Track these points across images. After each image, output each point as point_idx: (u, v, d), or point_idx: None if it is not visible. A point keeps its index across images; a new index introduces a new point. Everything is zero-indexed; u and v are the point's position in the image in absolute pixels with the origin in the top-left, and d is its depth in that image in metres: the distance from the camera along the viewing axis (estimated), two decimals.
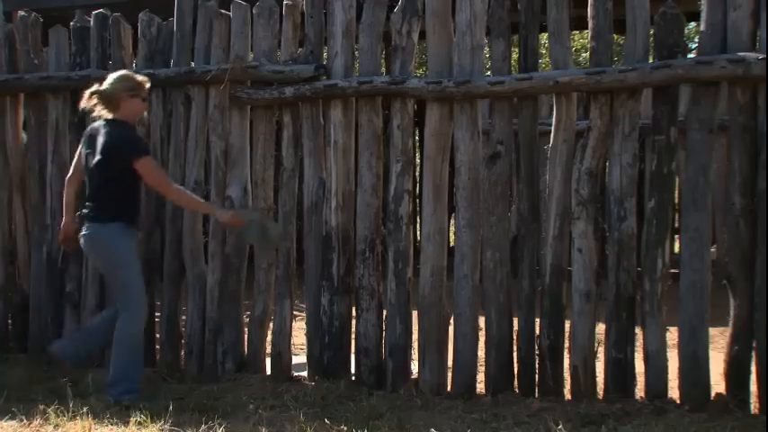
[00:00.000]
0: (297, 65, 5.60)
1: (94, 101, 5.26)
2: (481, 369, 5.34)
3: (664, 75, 4.76)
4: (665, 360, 4.85)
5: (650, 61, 4.89)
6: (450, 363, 5.31)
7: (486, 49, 5.48)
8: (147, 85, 5.38)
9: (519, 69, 5.26)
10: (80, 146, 5.45)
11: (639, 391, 4.92)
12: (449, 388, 5.26)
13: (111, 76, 5.31)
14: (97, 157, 5.18)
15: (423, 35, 5.39)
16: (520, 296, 5.20)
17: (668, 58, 4.79)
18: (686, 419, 4.45)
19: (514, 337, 5.21)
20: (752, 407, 4.67)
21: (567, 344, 5.11)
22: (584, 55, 5.41)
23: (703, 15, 4.76)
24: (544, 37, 9.74)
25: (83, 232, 5.26)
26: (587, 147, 5.01)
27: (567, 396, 5.05)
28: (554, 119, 5.11)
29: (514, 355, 5.20)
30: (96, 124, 5.35)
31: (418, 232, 6.07)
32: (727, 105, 4.79)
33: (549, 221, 5.11)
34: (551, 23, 5.09)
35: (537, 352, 5.13)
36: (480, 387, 5.30)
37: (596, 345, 5.05)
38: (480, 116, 5.29)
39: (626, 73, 4.83)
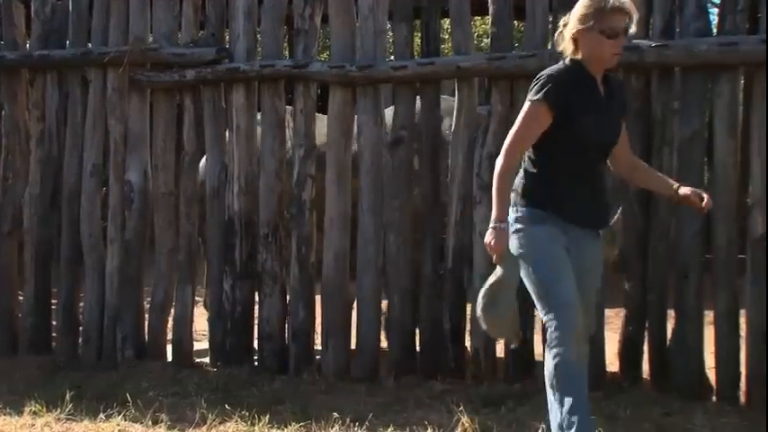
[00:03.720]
0: (198, 47, 5.53)
1: None
2: (384, 352, 5.36)
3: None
4: None
5: (549, 48, 4.97)
6: (353, 346, 5.32)
7: (390, 33, 5.50)
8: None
9: (421, 54, 5.29)
10: None
11: (539, 372, 5.01)
12: (352, 372, 5.28)
13: None
14: None
15: (327, 19, 5.38)
16: (423, 280, 5.24)
17: None
18: None
19: (417, 321, 5.25)
20: (644, 385, 4.80)
21: (468, 327, 5.17)
22: (485, 41, 5.46)
23: None
24: (447, 22, 9.79)
25: None
26: (488, 131, 5.06)
27: (469, 378, 5.11)
28: (456, 104, 5.15)
29: (417, 338, 5.24)
30: None
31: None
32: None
33: (451, 206, 5.16)
34: (453, 9, 5.13)
35: (439, 335, 5.18)
36: (383, 370, 5.32)
37: None
38: (383, 101, 5.31)
39: (526, 59, 4.90)
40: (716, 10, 4.93)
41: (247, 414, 4.43)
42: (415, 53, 5.47)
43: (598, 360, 4.84)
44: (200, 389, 4.94)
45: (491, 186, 4.93)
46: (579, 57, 3.61)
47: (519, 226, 3.65)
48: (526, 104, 3.59)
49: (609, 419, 4.18)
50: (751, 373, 4.52)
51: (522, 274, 3.66)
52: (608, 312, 5.05)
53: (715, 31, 4.67)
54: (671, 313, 4.77)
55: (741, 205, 4.64)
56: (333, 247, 5.29)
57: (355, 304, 5.33)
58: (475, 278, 5.05)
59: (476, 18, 10.08)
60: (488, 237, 3.61)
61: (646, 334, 4.80)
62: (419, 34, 5.49)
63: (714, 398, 4.60)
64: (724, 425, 4.18)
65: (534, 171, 3.66)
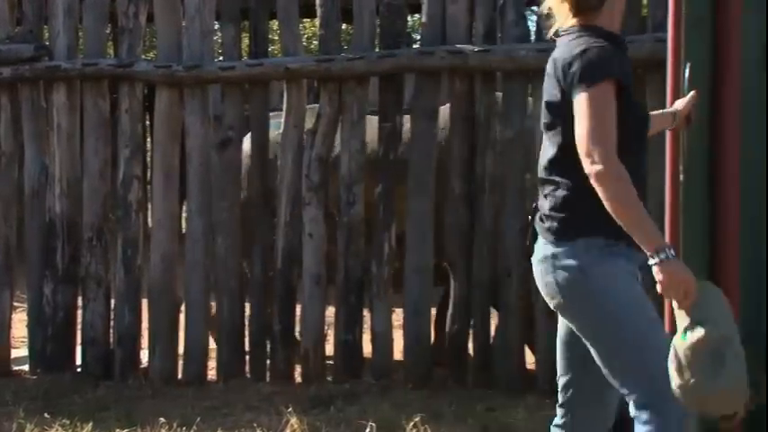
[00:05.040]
0: (15, 44, 5.32)
1: None
2: (213, 355, 5.31)
3: (389, 64, 4.91)
4: (391, 340, 5.02)
5: (377, 50, 5.03)
6: (181, 350, 5.24)
7: (218, 34, 5.45)
8: None
9: (250, 55, 5.27)
10: None
11: (367, 371, 5.07)
12: (180, 375, 5.20)
13: None
14: None
15: (153, 17, 5.28)
16: (252, 281, 5.21)
17: (393, 48, 4.95)
18: (409, 396, 4.63)
19: (246, 323, 5.22)
20: (469, 382, 4.92)
21: (298, 327, 5.17)
22: (315, 43, 5.50)
23: (424, 7, 4.95)
24: (276, 24, 9.76)
25: None
26: (317, 133, 5.08)
27: (299, 379, 5.11)
28: (284, 105, 5.15)
29: (246, 340, 5.21)
30: None
31: (149, 219, 5.95)
32: (448, 94, 5.01)
33: (280, 207, 5.15)
34: (281, 10, 5.14)
35: (268, 336, 5.17)
36: (212, 374, 5.27)
37: (326, 328, 5.16)
38: (211, 101, 5.26)
39: (354, 61, 4.94)
40: (535, 17, 5.10)
41: (69, 422, 4.29)
42: (244, 54, 5.42)
43: (426, 359, 4.94)
44: (18, 397, 4.75)
45: (320, 187, 5.06)
46: (596, 23, 2.66)
47: (587, 260, 2.61)
48: (587, 92, 2.53)
49: (435, 416, 4.26)
50: None
51: (599, 321, 2.63)
52: (434, 311, 5.16)
53: (534, 37, 4.83)
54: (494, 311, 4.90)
55: None
56: (160, 248, 5.20)
57: (183, 306, 5.25)
58: (304, 279, 5.07)
59: (305, 20, 10.09)
60: (661, 275, 2.49)
61: (470, 332, 4.92)
62: (248, 35, 5.46)
63: (535, 393, 4.74)
64: (544, 418, 4.29)
65: (583, 194, 2.58)
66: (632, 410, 2.63)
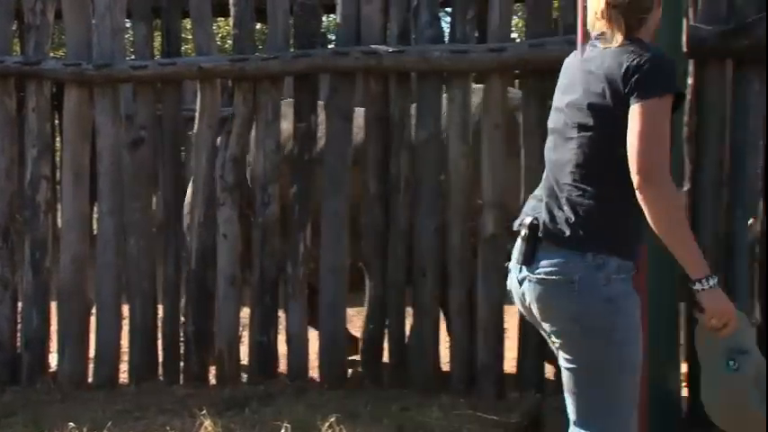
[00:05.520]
0: None
1: None
2: (125, 358, 5.23)
3: (304, 64, 4.89)
4: (306, 341, 5.01)
5: (291, 50, 5.01)
6: (92, 353, 5.15)
7: (130, 32, 5.37)
8: None
9: (162, 54, 5.21)
10: None
11: (283, 373, 5.04)
12: (90, 379, 5.11)
13: None
14: None
15: (61, 14, 5.18)
16: (165, 283, 5.15)
17: (308, 48, 4.93)
18: (325, 397, 4.63)
19: (159, 325, 5.15)
20: (384, 382, 4.93)
21: (212, 329, 5.12)
22: (229, 42, 5.45)
23: (339, 8, 4.94)
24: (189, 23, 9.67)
25: None
26: (232, 133, 5.04)
27: (213, 381, 5.07)
28: (198, 105, 5.10)
29: (159, 342, 5.14)
30: None
31: (59, 219, 5.84)
32: (362, 95, 5.02)
33: (194, 208, 5.10)
34: (194, 9, 5.09)
35: (182, 338, 5.11)
36: (124, 377, 5.20)
37: (241, 329, 5.12)
38: (123, 100, 5.18)
39: (268, 61, 4.92)
40: (449, 18, 5.14)
41: None
42: (157, 53, 5.35)
43: (341, 359, 4.94)
44: None
45: (235, 188, 5.02)
46: (639, 36, 2.58)
47: (617, 290, 2.52)
48: (650, 103, 2.44)
49: (350, 417, 4.26)
50: (482, 366, 4.73)
51: (601, 357, 2.54)
52: (350, 312, 5.17)
53: (447, 38, 4.87)
54: (410, 311, 4.92)
55: (474, 206, 4.85)
56: (70, 250, 5.10)
57: (94, 309, 5.16)
58: (219, 280, 5.03)
59: (219, 19, 10.01)
60: (707, 303, 2.48)
61: (386, 332, 4.93)
62: (160, 34, 5.39)
63: (449, 391, 4.77)
64: (458, 417, 4.35)
65: (611, 203, 2.53)
66: None
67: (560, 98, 2.69)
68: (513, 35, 5.38)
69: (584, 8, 3.43)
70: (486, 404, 4.51)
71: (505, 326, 4.80)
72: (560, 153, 2.60)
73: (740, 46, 4.20)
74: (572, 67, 2.70)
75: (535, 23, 4.67)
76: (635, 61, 2.48)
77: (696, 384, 4.20)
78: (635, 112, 2.45)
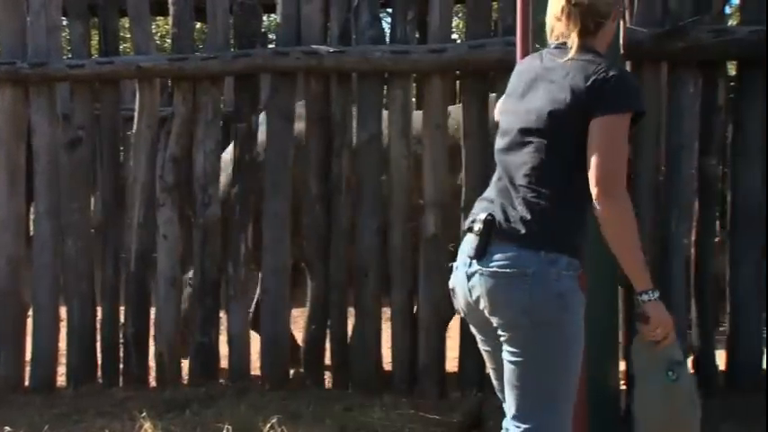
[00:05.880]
0: None
1: None
2: (63, 361, 5.16)
3: (244, 63, 4.87)
4: (248, 342, 4.99)
5: (232, 50, 4.98)
6: (28, 356, 5.07)
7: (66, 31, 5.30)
8: None
9: (100, 53, 5.15)
10: None
11: (224, 374, 5.02)
12: (27, 382, 5.03)
13: None
14: None
15: None
16: (104, 284, 5.09)
17: (248, 48, 4.91)
18: (267, 398, 4.60)
19: (98, 327, 5.09)
20: (326, 382, 4.93)
21: (152, 331, 5.08)
22: (169, 41, 5.39)
23: (279, 7, 4.92)
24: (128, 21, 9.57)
25: None
26: (171, 133, 5.00)
27: (153, 383, 5.02)
28: (137, 104, 5.05)
29: (98, 344, 5.08)
30: None
31: None
32: (303, 95, 5.00)
33: (133, 208, 5.05)
34: (131, 8, 5.05)
35: (122, 340, 5.06)
36: (62, 380, 5.12)
37: (182, 330, 5.08)
38: (59, 100, 5.11)
39: (208, 61, 4.88)
40: (389, 19, 5.15)
41: None
42: (94, 52, 5.30)
43: (283, 359, 4.92)
44: None
45: (175, 188, 4.98)
46: (595, 45, 2.68)
47: (567, 286, 2.59)
48: (613, 119, 2.54)
49: (292, 417, 4.26)
50: (423, 366, 4.76)
51: (547, 351, 2.59)
52: (294, 312, 5.15)
53: (388, 38, 4.88)
54: (352, 311, 4.92)
55: (415, 206, 4.86)
56: (5, 251, 5.02)
57: (30, 311, 5.09)
58: (159, 281, 4.99)
59: (158, 18, 9.91)
60: (652, 313, 2.59)
61: (328, 332, 4.93)
62: (97, 32, 5.33)
63: (391, 391, 4.79)
64: (400, 416, 4.37)
65: (567, 206, 2.61)
66: (511, 428, 2.68)
67: (517, 102, 2.73)
68: (454, 36, 5.41)
69: (524, 10, 3.50)
70: (428, 404, 4.54)
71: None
72: (516, 155, 2.66)
73: (675, 48, 4.28)
74: (529, 72, 2.75)
75: (475, 25, 4.70)
76: (601, 75, 2.56)
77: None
78: (597, 126, 2.54)
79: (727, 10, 6.15)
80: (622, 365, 4.22)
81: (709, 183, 4.49)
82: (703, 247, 4.51)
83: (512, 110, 2.74)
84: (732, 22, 6.13)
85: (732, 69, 5.50)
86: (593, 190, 2.53)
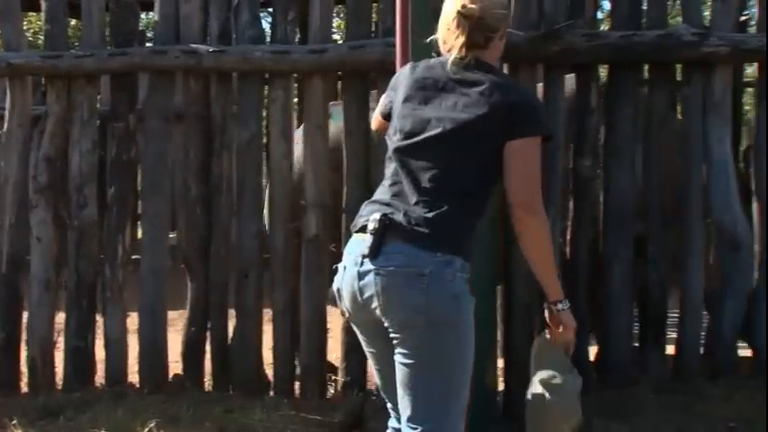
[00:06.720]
0: None
1: None
2: None
3: (121, 62, 4.77)
4: (126, 345, 4.89)
5: (108, 48, 4.88)
6: None
7: None
8: None
9: None
10: None
11: (101, 379, 4.91)
12: None
13: None
14: None
15: None
16: None
17: (125, 46, 4.82)
18: (144, 401, 4.52)
19: None
20: (206, 384, 4.87)
21: (24, 335, 4.94)
22: (42, 38, 5.26)
23: (157, 6, 4.85)
24: None
25: None
26: (45, 132, 4.88)
27: (25, 389, 4.88)
28: (8, 103, 4.91)
29: None
30: None
31: None
32: (182, 95, 4.94)
33: (4, 209, 4.90)
34: (1, 3, 4.88)
35: None
36: None
37: (56, 334, 4.95)
38: None
39: (83, 59, 4.78)
40: (270, 18, 5.13)
41: None
42: None
43: (161, 363, 4.85)
44: None
45: (48, 188, 4.84)
46: (485, 58, 2.78)
47: (461, 287, 2.65)
48: (532, 139, 2.66)
49: (171, 421, 4.21)
50: (304, 366, 4.75)
51: (440, 352, 2.62)
52: (172, 314, 5.08)
53: (269, 39, 4.86)
54: (233, 312, 4.88)
55: (297, 207, 4.85)
56: None
57: None
58: (32, 284, 4.85)
59: (30, 14, 9.65)
60: (565, 321, 2.75)
61: (208, 334, 4.87)
62: None
63: (272, 392, 4.77)
64: (281, 417, 4.36)
65: (468, 211, 2.69)
66: (406, 431, 2.69)
67: (419, 108, 2.76)
68: (336, 36, 5.43)
69: (403, 12, 3.54)
70: (310, 404, 4.54)
71: (329, 326, 4.83)
72: (422, 159, 2.69)
73: (550, 51, 4.39)
74: (432, 80, 2.77)
75: (355, 25, 4.72)
76: (524, 99, 2.71)
77: (512, 381, 4.38)
78: (517, 147, 2.65)
79: (599, 15, 6.33)
80: (500, 363, 4.30)
81: (584, 183, 4.62)
82: (578, 247, 4.63)
83: (413, 114, 2.77)
84: (604, 27, 6.32)
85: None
86: (515, 210, 2.63)
